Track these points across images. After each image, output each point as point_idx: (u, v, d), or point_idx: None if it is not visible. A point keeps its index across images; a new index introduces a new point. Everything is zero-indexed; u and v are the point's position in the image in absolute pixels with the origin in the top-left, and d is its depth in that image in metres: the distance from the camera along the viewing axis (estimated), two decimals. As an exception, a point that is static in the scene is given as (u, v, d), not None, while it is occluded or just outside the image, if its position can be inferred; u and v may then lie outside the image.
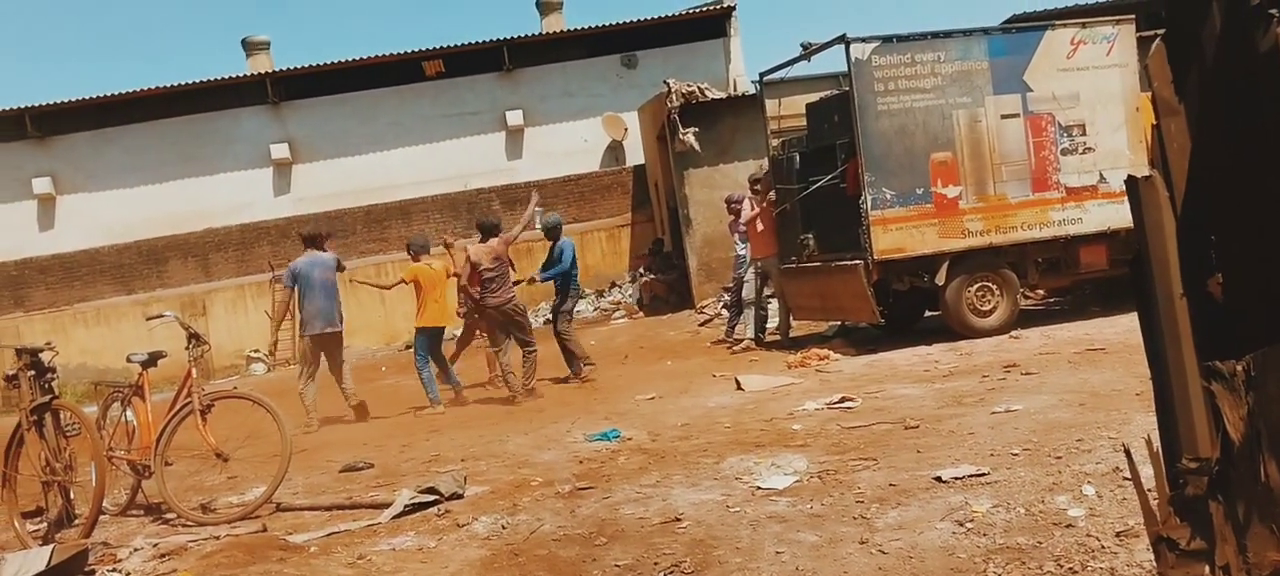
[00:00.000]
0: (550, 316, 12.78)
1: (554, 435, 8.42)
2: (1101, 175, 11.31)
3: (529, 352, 11.23)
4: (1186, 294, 1.76)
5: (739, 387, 9.67)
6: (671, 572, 4.41)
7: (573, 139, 23.42)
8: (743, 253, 13.27)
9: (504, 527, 5.56)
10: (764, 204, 12.56)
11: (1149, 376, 1.86)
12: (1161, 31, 1.85)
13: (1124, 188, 1.89)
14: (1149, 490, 1.84)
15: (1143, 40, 11.43)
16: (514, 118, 23.19)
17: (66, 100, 21.98)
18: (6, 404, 17.47)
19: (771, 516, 5.08)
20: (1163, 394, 1.81)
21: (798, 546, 4.55)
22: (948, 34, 11.15)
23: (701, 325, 16.81)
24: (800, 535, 4.71)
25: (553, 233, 12.05)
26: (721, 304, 17.17)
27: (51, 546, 5.70)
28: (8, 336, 18.86)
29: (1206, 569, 1.68)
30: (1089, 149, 11.33)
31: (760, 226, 12.62)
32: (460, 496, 6.39)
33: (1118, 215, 11.12)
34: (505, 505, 6.06)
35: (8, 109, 21.71)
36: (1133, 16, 11.59)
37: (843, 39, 10.86)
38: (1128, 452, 2.14)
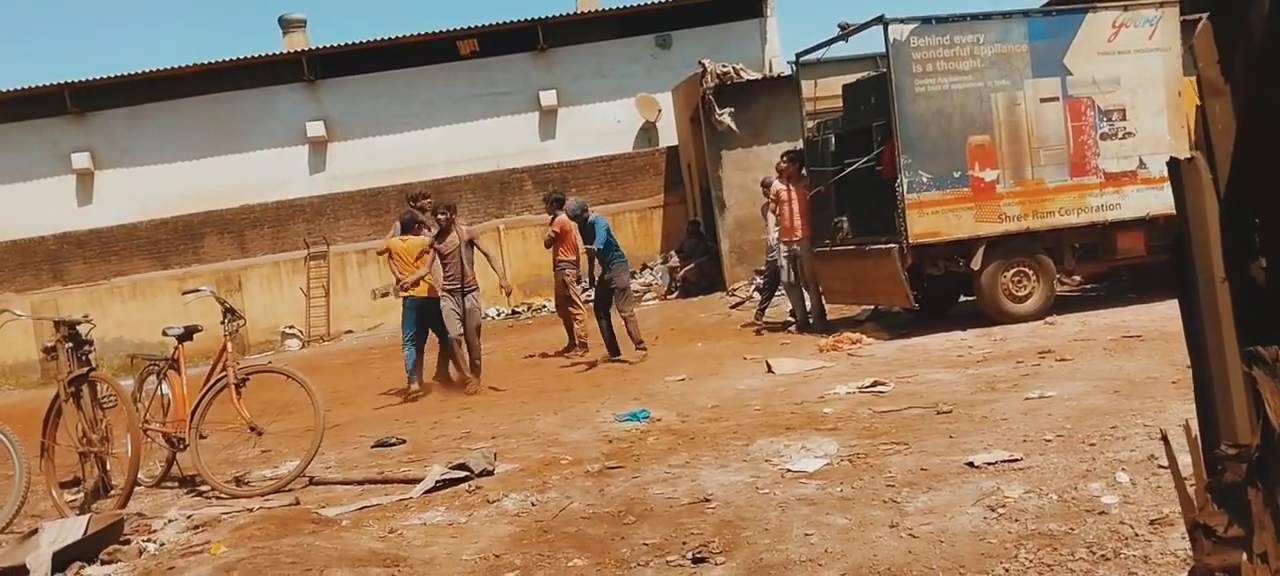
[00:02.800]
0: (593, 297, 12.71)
1: (584, 415, 8.43)
2: (1141, 160, 11.15)
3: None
4: (1228, 277, 1.72)
5: (769, 370, 9.64)
6: (700, 552, 4.40)
7: (606, 119, 23.40)
8: (774, 236, 13.18)
9: (533, 505, 5.58)
10: (795, 187, 12.44)
11: (1186, 365, 1.84)
12: (1207, 13, 1.82)
13: (1165, 172, 1.86)
14: (1186, 477, 1.82)
15: (1186, 24, 11.23)
16: (547, 98, 23.20)
17: (105, 77, 22.23)
18: (45, 376, 17.76)
19: (800, 499, 5.06)
20: (1202, 379, 1.78)
21: (827, 529, 4.53)
22: (987, 16, 11.02)
23: (733, 307, 16.77)
24: (829, 518, 4.69)
25: (580, 214, 12.04)
26: (753, 286, 17.12)
27: (88, 516, 5.78)
28: (46, 309, 19.14)
29: (1243, 556, 1.65)
30: (1129, 134, 11.17)
31: (789, 208, 12.49)
32: (490, 473, 6.42)
33: (1157, 201, 10.98)
34: (535, 483, 6.08)
35: (47, 85, 21.98)
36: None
37: (881, 20, 10.75)
38: (1165, 437, 2.11)
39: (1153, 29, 11.16)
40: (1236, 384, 1.70)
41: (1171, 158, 1.82)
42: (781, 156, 13.18)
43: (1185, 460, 1.83)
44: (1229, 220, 1.73)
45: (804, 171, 12.54)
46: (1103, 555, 3.81)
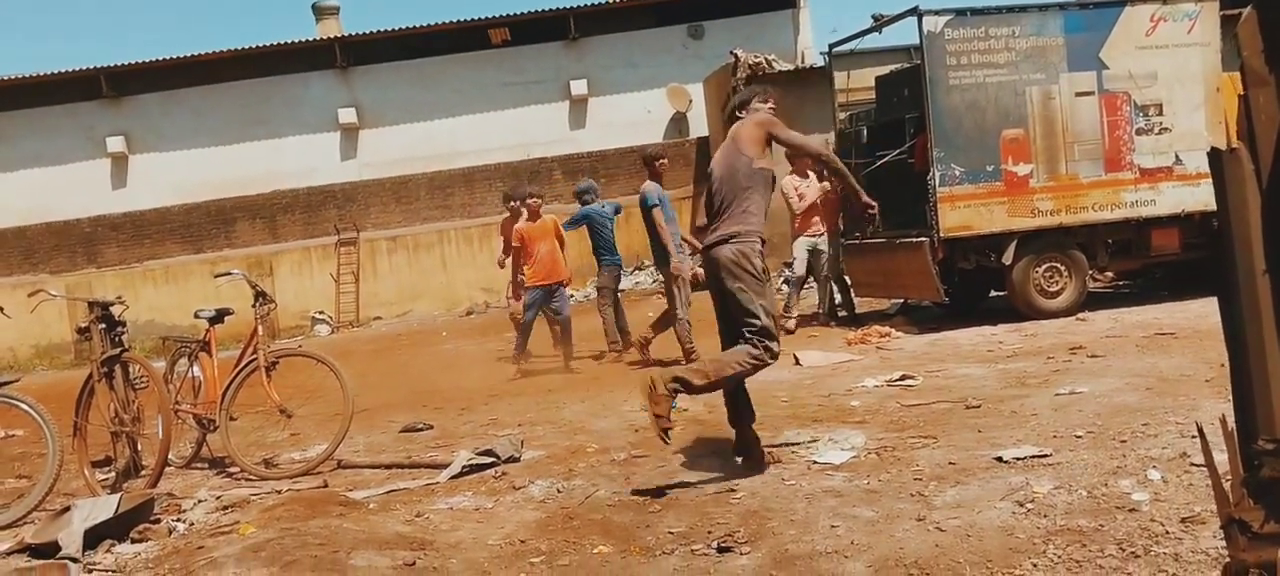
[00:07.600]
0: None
1: (610, 403, 8.44)
2: (1177, 156, 11.02)
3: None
4: (1269, 271, 1.69)
5: (797, 363, 9.60)
6: (725, 541, 4.39)
7: (636, 109, 23.36)
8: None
9: (559, 491, 5.59)
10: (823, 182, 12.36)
11: (1220, 363, 1.82)
12: (1246, 8, 1.78)
13: (1201, 167, 1.83)
14: (1222, 472, 1.79)
15: (1226, 19, 11.08)
16: (578, 87, 23.20)
17: (140, 61, 22.44)
18: (78, 356, 17.96)
19: (827, 490, 5.04)
20: (1240, 373, 1.75)
21: (853, 521, 4.51)
22: (1023, 8, 10.91)
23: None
24: (856, 510, 4.67)
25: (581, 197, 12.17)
26: (782, 279, 17.04)
27: (119, 495, 5.83)
28: (80, 291, 19.35)
29: (1279, 553, 1.62)
30: (1165, 129, 11.04)
31: (809, 202, 12.39)
32: (517, 460, 6.44)
33: (1192, 197, 10.85)
34: (561, 470, 6.09)
35: (83, 68, 22.22)
36: (1217, -6, 11.25)
37: (915, 11, 10.68)
38: (1200, 431, 2.08)
39: (1192, 23, 11.02)
40: (1276, 378, 1.67)
41: (1213, 149, 1.79)
42: None
43: (1221, 456, 1.81)
44: (1271, 212, 1.70)
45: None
46: (1133, 552, 3.77)
